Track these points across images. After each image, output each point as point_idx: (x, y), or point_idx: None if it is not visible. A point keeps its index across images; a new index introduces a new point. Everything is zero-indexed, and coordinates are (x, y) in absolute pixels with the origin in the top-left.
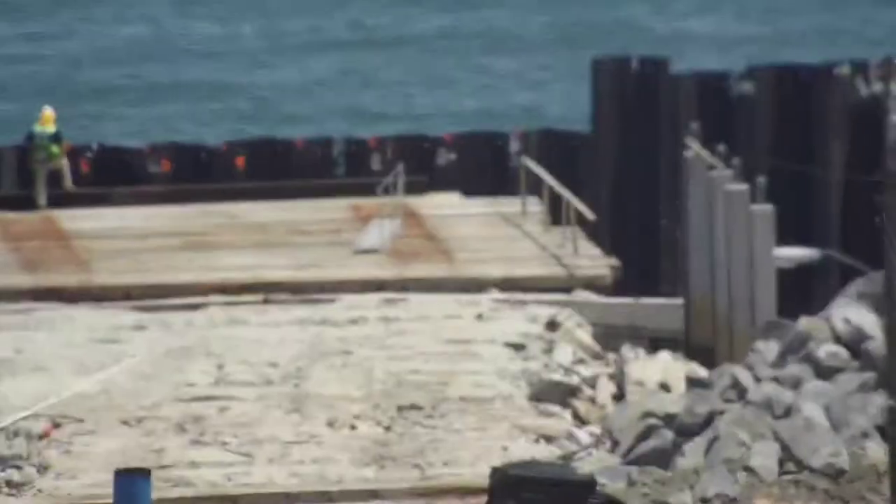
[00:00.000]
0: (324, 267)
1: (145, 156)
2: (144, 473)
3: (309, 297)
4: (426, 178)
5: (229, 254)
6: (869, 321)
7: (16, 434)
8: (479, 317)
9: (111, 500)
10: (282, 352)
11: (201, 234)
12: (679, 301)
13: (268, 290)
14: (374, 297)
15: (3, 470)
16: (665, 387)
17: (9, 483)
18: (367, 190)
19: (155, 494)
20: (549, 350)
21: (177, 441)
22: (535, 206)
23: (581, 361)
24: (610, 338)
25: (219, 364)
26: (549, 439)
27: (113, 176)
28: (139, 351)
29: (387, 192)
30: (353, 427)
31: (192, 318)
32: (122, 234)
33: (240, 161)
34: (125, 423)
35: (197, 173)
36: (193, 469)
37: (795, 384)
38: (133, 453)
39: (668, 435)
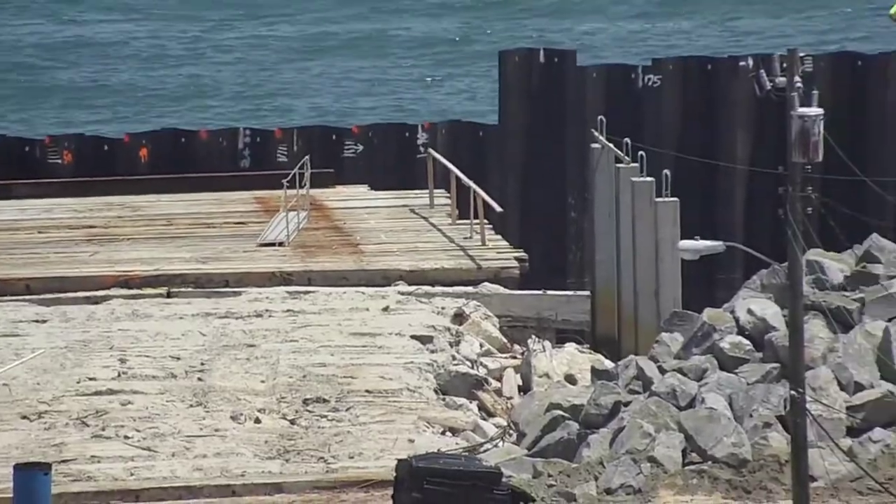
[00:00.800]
0: (228, 260)
1: (46, 147)
2: (44, 468)
3: (213, 289)
4: (333, 170)
5: (132, 247)
6: (772, 312)
7: None
8: (386, 309)
9: (10, 496)
10: (185, 345)
11: (103, 226)
12: (585, 293)
13: (171, 283)
14: (279, 290)
15: None
16: (571, 379)
17: None
18: (273, 182)
19: (55, 489)
20: (455, 342)
21: (78, 435)
22: (443, 198)
23: (488, 354)
24: (516, 330)
25: (121, 358)
26: (455, 431)
27: (13, 168)
28: (39, 345)
29: (293, 184)
30: (257, 420)
31: (93, 312)
32: (21, 227)
33: (143, 152)
34: (25, 417)
35: (99, 165)
36: (95, 463)
37: (699, 375)
38: (33, 448)
39: (574, 426)
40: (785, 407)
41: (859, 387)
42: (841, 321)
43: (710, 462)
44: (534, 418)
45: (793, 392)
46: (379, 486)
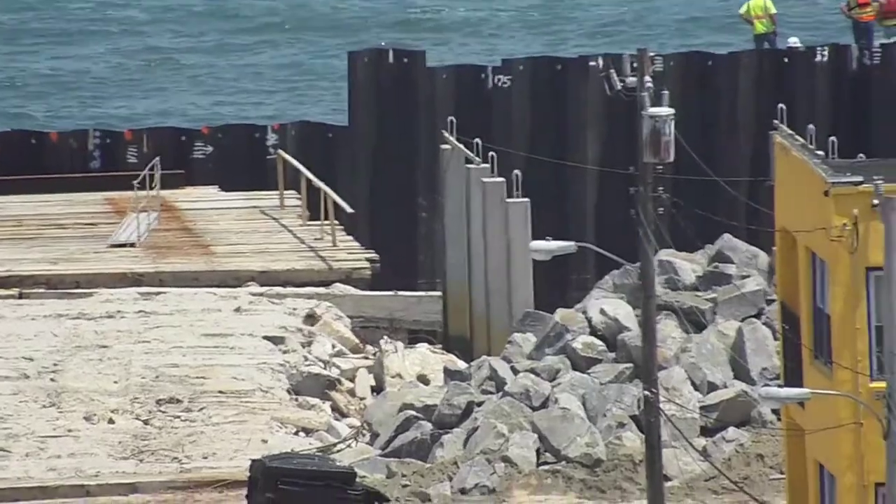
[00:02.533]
0: (79, 261)
1: None
2: None
3: (64, 290)
4: (183, 171)
5: None
6: (624, 313)
7: None
8: (238, 310)
9: None
10: (37, 346)
11: None
12: (437, 294)
13: (22, 285)
14: (130, 291)
15: None
16: (423, 379)
17: None
18: (123, 183)
19: None
20: (307, 343)
21: None
22: (293, 199)
23: (340, 354)
24: (368, 330)
25: None
26: (308, 432)
27: None
28: None
29: (143, 185)
30: (110, 421)
31: None
32: None
33: None
34: None
35: None
36: None
37: (552, 375)
38: None
39: (427, 427)
40: (638, 407)
41: (713, 386)
42: (693, 321)
43: (564, 462)
44: (387, 418)
45: (646, 392)
46: (233, 486)
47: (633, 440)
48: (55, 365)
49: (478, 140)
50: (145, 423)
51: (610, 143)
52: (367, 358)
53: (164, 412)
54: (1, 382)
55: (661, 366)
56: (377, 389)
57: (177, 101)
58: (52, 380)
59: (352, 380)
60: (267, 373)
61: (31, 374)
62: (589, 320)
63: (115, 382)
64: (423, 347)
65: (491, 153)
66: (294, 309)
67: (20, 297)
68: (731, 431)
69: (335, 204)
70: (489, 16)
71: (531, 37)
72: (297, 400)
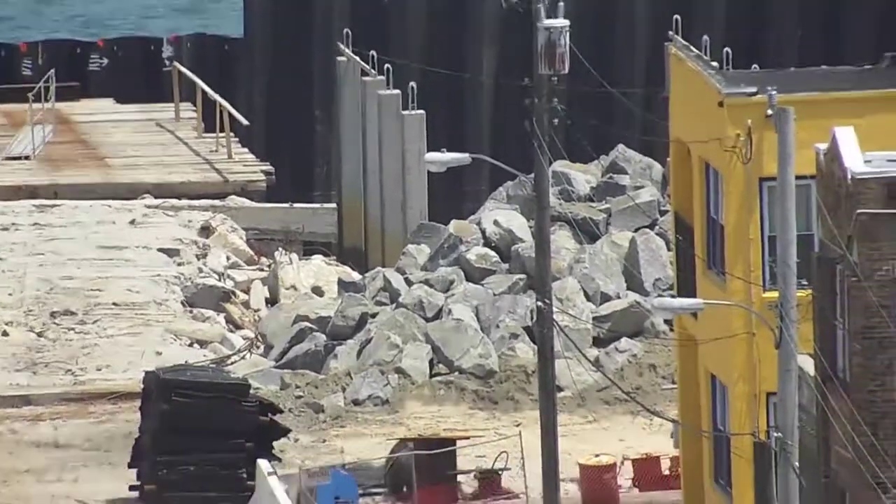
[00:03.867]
0: None
1: None
2: None
3: None
4: (79, 83)
5: None
6: (518, 224)
7: None
8: (133, 223)
9: None
10: None
11: None
12: (332, 206)
13: None
14: (25, 204)
15: None
16: (318, 290)
17: None
18: (19, 96)
19: None
20: (202, 255)
21: None
22: (189, 111)
23: (235, 266)
24: (263, 242)
25: None
26: (202, 343)
27: None
28: None
29: (38, 98)
30: (4, 333)
31: None
32: None
33: None
34: None
35: None
36: None
37: (446, 287)
38: None
39: (321, 338)
40: (532, 318)
41: (606, 297)
42: (587, 232)
43: (457, 373)
44: (281, 330)
45: (539, 303)
46: (127, 397)
47: (525, 351)
48: None
49: (373, 52)
50: (39, 335)
51: (505, 55)
52: (261, 270)
53: (58, 324)
54: None
55: (554, 277)
56: (271, 301)
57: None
58: None
59: (246, 292)
60: (161, 285)
61: None
62: (483, 231)
63: (10, 295)
64: (317, 259)
65: (387, 65)
66: (189, 221)
67: None
68: (624, 342)
69: (231, 116)
70: None
71: None
72: (191, 312)
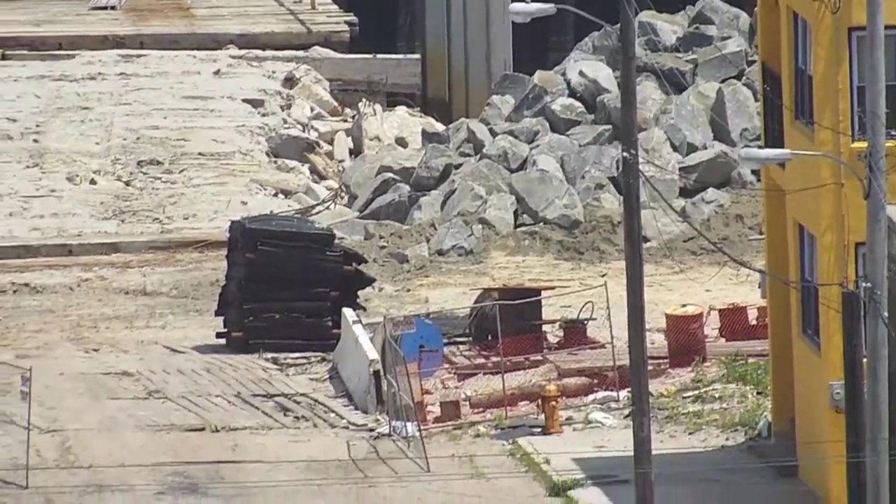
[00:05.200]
0: (62, 23)
1: None
2: None
3: (47, 52)
4: None
5: None
6: (604, 74)
7: None
8: (217, 73)
9: None
10: (20, 107)
11: None
12: (415, 56)
13: (5, 46)
14: (111, 53)
15: None
16: (401, 141)
17: None
18: None
19: None
20: (286, 106)
21: None
22: None
23: (319, 117)
24: (347, 93)
25: None
26: (287, 193)
27: None
28: None
29: None
30: (92, 182)
31: None
32: None
33: None
34: None
35: None
36: None
37: (530, 137)
38: None
39: (405, 189)
40: (617, 168)
41: (692, 148)
42: (674, 82)
43: (541, 224)
44: (365, 181)
45: (625, 153)
46: (213, 246)
47: (611, 202)
48: (38, 126)
49: None
50: (126, 184)
51: None
52: (345, 121)
53: (145, 174)
54: None
55: (640, 127)
56: (355, 152)
57: None
58: (35, 140)
59: (330, 142)
60: (246, 135)
61: (14, 134)
62: (568, 82)
63: (97, 144)
64: (401, 110)
65: None
66: (273, 72)
67: (3, 58)
68: (711, 192)
69: None
70: None
71: None
72: (276, 162)
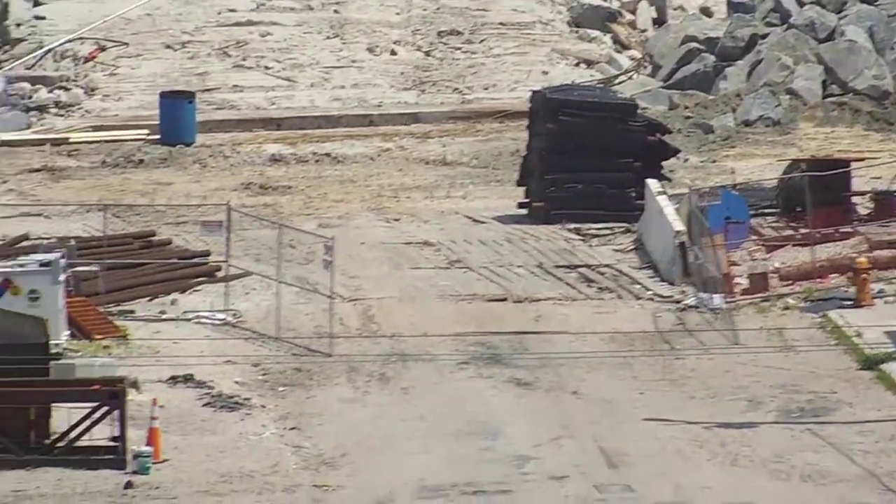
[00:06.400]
0: None
1: None
2: (189, 96)
3: None
4: None
5: None
6: None
7: (63, 56)
8: None
9: (157, 122)
10: None
11: None
12: None
13: None
14: None
15: (51, 91)
16: (706, 11)
17: (57, 104)
18: None
19: (200, 116)
20: None
21: (220, 65)
22: None
23: None
24: None
25: None
26: (589, 63)
27: None
28: None
29: None
30: (393, 52)
31: None
32: None
33: None
34: (169, 47)
35: None
36: (237, 92)
37: (839, 7)
38: (177, 77)
39: (710, 59)
40: None
41: None
42: None
43: (851, 94)
44: (669, 50)
45: None
46: (514, 116)
47: None
48: None
49: None
50: (427, 54)
51: None
52: None
53: (445, 44)
54: (287, 14)
55: None
56: (658, 22)
57: None
58: (335, 11)
59: (633, 12)
60: (547, 5)
61: (314, 5)
62: None
63: (397, 14)
64: None
65: None
66: None
67: None
68: None
69: None
70: None
71: None
72: (577, 32)
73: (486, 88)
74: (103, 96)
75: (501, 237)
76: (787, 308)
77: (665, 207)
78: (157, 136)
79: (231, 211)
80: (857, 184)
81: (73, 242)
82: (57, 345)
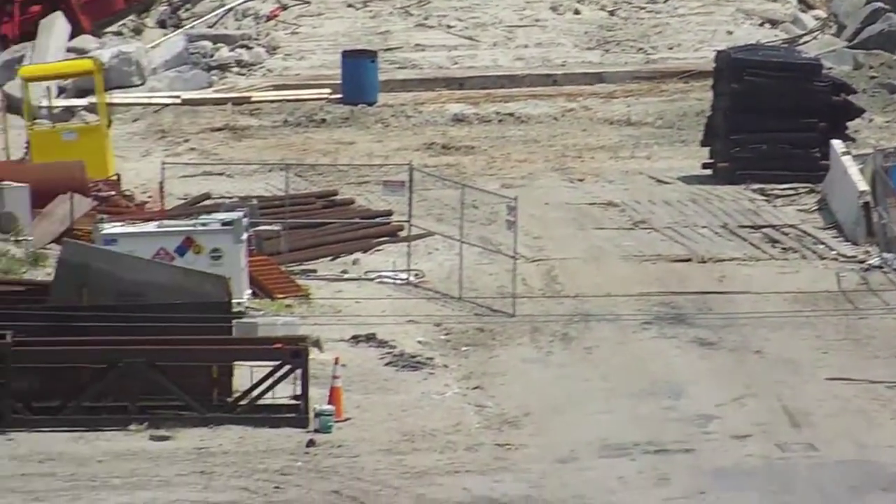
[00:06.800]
0: None
1: None
2: (371, 55)
3: None
4: None
5: None
6: None
7: (244, 15)
8: None
9: (339, 81)
10: None
11: None
12: None
13: None
14: None
15: (232, 49)
16: None
17: (239, 62)
18: None
19: (382, 76)
20: None
21: (402, 24)
22: None
23: None
24: None
25: None
26: (774, 23)
27: None
28: None
29: None
30: (576, 12)
31: None
32: None
33: None
34: (351, 6)
35: None
36: (419, 52)
37: None
38: (359, 35)
39: (895, 18)
40: None
41: None
42: None
43: None
44: (854, 10)
45: None
46: (698, 76)
47: None
48: None
49: None
50: (611, 13)
51: None
52: None
53: (629, 3)
54: None
55: None
56: None
57: None
58: None
59: None
60: None
61: None
62: None
63: None
64: None
65: None
66: None
67: None
68: None
69: None
70: None
71: None
72: None
73: (671, 48)
74: (285, 55)
75: (686, 198)
76: None
77: (849, 168)
78: (340, 96)
79: (413, 171)
80: None
81: (255, 202)
82: (239, 303)
